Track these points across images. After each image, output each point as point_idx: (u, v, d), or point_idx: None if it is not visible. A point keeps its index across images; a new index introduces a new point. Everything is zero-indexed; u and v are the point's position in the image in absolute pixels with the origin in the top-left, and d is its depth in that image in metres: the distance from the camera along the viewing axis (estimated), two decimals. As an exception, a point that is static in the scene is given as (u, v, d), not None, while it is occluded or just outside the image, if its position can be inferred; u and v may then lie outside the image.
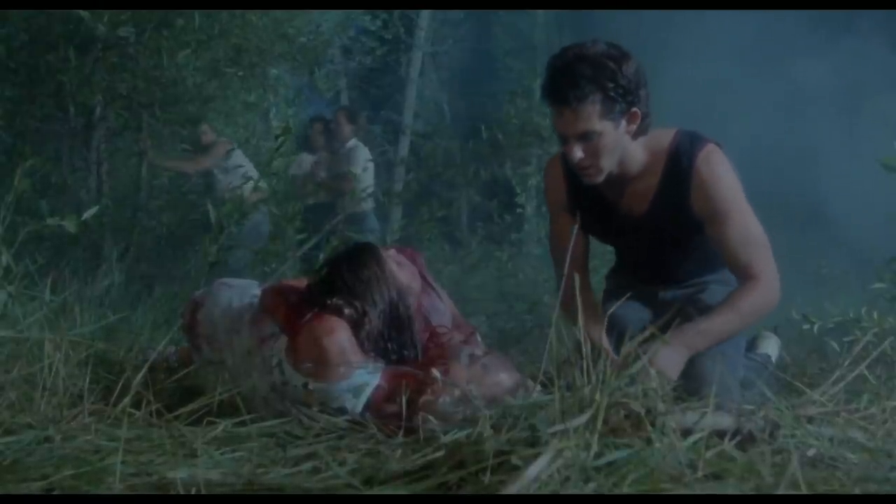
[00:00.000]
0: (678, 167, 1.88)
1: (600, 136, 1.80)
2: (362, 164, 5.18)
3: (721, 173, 1.86)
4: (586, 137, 1.80)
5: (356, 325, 1.76)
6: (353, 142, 5.30)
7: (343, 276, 1.81)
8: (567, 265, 1.80)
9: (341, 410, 1.67)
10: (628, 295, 2.02)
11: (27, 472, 1.26)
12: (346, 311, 1.76)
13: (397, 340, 1.81)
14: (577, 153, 1.82)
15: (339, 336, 1.71)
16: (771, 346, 2.29)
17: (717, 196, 1.85)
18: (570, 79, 1.76)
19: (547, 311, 4.46)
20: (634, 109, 1.81)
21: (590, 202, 2.00)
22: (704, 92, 6.73)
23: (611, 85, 1.76)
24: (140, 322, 3.01)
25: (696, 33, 6.94)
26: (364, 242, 1.96)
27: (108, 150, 5.19)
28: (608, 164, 1.86)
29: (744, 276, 1.84)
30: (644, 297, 2.13)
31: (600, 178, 1.88)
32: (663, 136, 1.92)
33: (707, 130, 1.94)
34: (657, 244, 2.00)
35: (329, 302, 1.77)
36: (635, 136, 1.86)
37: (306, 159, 5.59)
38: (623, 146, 1.85)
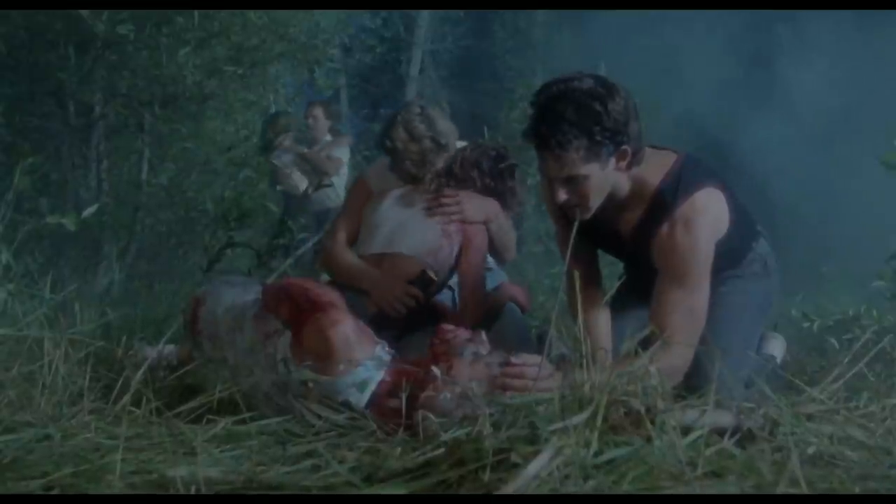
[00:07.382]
0: (658, 212, 1.79)
1: (586, 179, 1.71)
2: (346, 153, 4.96)
3: (692, 240, 1.74)
4: (571, 182, 1.72)
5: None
6: (329, 137, 5.03)
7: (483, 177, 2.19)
8: (566, 266, 1.74)
9: (346, 405, 1.67)
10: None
11: (27, 471, 1.25)
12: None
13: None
14: (562, 196, 1.74)
15: (343, 328, 1.70)
16: (776, 348, 2.28)
17: (678, 261, 1.75)
18: (551, 122, 1.65)
19: (547, 311, 4.45)
20: (624, 147, 1.71)
21: None
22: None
23: (596, 128, 1.64)
24: (140, 320, 3.00)
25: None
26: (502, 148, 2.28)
27: (107, 147, 5.20)
28: (596, 203, 1.78)
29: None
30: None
31: (587, 216, 1.80)
32: (658, 167, 1.81)
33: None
34: (648, 263, 1.96)
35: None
36: (627, 168, 1.76)
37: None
38: (612, 181, 1.76)
